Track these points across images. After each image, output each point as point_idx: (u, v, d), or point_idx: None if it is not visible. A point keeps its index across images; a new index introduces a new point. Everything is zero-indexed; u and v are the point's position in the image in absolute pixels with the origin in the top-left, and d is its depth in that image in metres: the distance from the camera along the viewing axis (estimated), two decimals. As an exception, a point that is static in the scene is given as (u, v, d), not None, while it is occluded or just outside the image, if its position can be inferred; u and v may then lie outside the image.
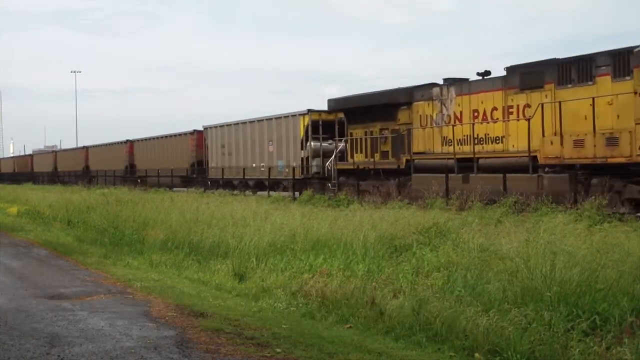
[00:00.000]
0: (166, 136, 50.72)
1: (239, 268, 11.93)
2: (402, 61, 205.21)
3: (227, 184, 39.08)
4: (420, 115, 25.53)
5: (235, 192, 35.57)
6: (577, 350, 6.68)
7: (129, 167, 56.39)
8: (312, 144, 32.35)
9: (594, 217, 15.21)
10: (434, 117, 24.79)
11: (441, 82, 25.39)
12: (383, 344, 7.59)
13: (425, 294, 8.59)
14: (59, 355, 6.84)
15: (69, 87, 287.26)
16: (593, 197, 16.87)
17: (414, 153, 25.12)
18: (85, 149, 68.37)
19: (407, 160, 25.31)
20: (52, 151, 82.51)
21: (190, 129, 49.44)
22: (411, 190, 23.78)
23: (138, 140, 56.04)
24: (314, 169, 32.39)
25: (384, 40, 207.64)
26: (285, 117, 34.85)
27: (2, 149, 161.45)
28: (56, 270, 13.05)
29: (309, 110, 32.86)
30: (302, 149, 32.96)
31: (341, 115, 30.71)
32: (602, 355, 6.56)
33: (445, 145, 24.27)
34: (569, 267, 8.52)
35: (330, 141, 31.78)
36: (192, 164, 45.28)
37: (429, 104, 25.12)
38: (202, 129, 44.48)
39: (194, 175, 44.59)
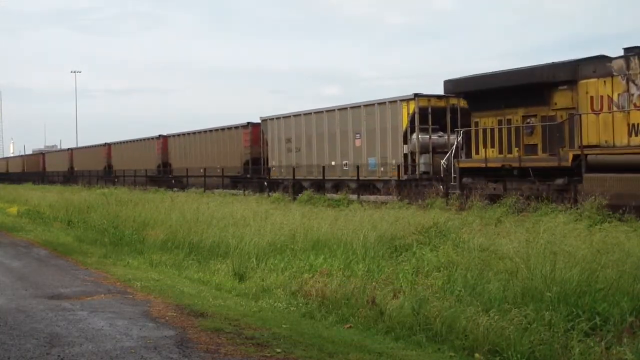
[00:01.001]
0: (212, 130, 44.01)
1: (239, 268, 11.93)
2: (403, 61, 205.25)
3: (292, 186, 32.43)
4: (592, 97, 19.60)
5: (299, 192, 29.96)
6: (577, 350, 6.68)
7: (161, 165, 50.63)
8: (419, 136, 26.48)
9: (594, 217, 15.22)
10: (616, 98, 18.97)
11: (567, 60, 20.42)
12: (383, 344, 7.59)
13: (425, 294, 8.60)
14: (59, 355, 6.84)
15: (69, 87, 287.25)
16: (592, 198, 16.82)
17: (585, 147, 19.42)
18: (108, 146, 62.20)
19: (576, 156, 19.47)
20: (68, 149, 75.68)
21: (243, 121, 42.88)
22: (582, 196, 18.34)
23: (174, 136, 49.51)
24: (422, 168, 26.43)
25: (384, 40, 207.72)
26: (380, 104, 28.64)
27: (2, 149, 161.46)
28: (56, 270, 13.05)
29: (416, 95, 26.62)
30: (405, 142, 27.01)
31: (454, 101, 26.30)
32: (602, 355, 6.56)
33: (636, 135, 18.59)
34: (569, 267, 8.52)
35: (440, 133, 26.65)
36: (246, 162, 38.97)
37: (605, 82, 19.29)
38: (258, 121, 38.32)
39: (248, 176, 38.33)
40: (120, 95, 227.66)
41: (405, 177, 26.66)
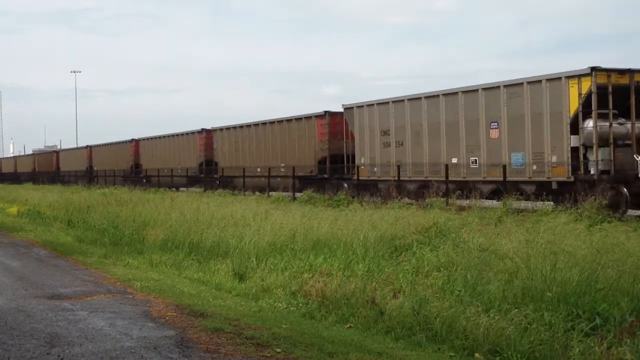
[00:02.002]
0: (274, 122, 36.27)
1: (239, 268, 11.93)
2: (403, 61, 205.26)
3: (379, 189, 27.11)
4: None
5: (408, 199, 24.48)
6: (577, 350, 6.69)
7: (204, 164, 43.66)
8: (599, 124, 19.94)
9: (594, 217, 15.22)
10: None
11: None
12: (383, 344, 7.59)
13: (425, 294, 8.60)
14: (59, 355, 6.84)
15: (69, 87, 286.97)
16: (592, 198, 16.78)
17: None
18: (135, 142, 55.77)
19: None
20: (87, 146, 67.32)
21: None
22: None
23: (222, 129, 42.03)
24: (601, 165, 19.96)
25: (384, 40, 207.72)
26: (532, 82, 21.96)
27: (2, 149, 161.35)
28: (56, 270, 13.05)
29: (594, 70, 19.90)
30: (573, 132, 20.48)
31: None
32: (602, 355, 6.56)
33: None
34: (569, 267, 8.52)
35: (621, 119, 20.31)
36: (322, 159, 32.07)
37: None
38: (338, 110, 31.57)
39: (325, 176, 31.56)
40: (120, 96, 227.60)
41: (572, 177, 20.42)
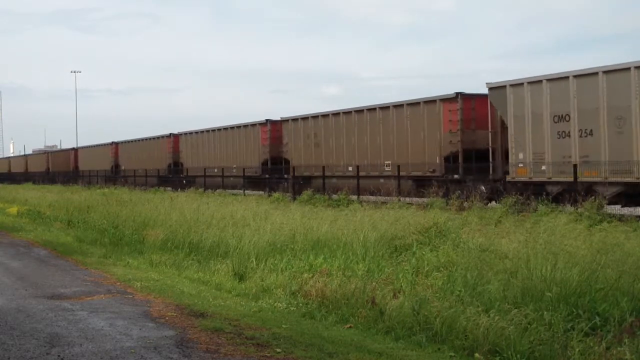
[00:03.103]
0: (376, 108, 29.02)
1: (238, 268, 11.93)
2: (403, 61, 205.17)
3: (548, 192, 20.57)
4: None
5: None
6: (577, 350, 6.68)
7: (269, 162, 36.69)
8: None
9: (594, 217, 15.23)
10: None
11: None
12: (383, 344, 7.59)
13: (425, 294, 8.60)
14: (59, 355, 6.84)
15: (69, 87, 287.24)
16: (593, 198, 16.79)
17: None
18: (174, 137, 48.76)
19: None
20: (112, 143, 60.60)
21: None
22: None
23: (293, 119, 34.80)
24: None
25: (384, 40, 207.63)
26: None
27: (2, 149, 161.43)
28: (56, 270, 13.05)
29: None
30: None
31: None
32: (602, 355, 6.56)
33: None
34: (568, 267, 8.52)
35: None
36: (449, 155, 25.25)
37: None
38: (473, 92, 25.41)
39: (456, 176, 24.84)
40: (120, 95, 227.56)
41: None
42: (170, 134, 49.53)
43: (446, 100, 25.56)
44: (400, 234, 12.94)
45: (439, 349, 7.37)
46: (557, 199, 19.64)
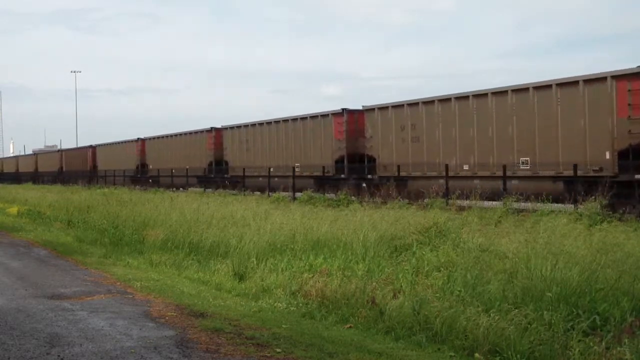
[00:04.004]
0: (517, 89, 22.83)
1: (239, 268, 11.93)
2: (403, 61, 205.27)
3: None
4: None
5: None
6: (577, 350, 6.69)
7: (344, 159, 30.71)
8: None
9: (594, 217, 15.22)
10: None
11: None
12: (383, 344, 7.59)
13: (425, 294, 8.60)
14: (59, 355, 6.85)
15: (69, 87, 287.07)
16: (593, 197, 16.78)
17: None
18: (216, 132, 42.51)
19: None
20: (137, 139, 54.25)
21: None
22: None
23: (375, 108, 29.01)
24: None
25: (385, 40, 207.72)
26: None
27: (2, 149, 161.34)
28: (56, 270, 13.05)
29: None
30: None
31: None
32: (602, 355, 6.57)
33: None
34: (568, 267, 8.53)
35: None
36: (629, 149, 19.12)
37: None
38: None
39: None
40: (120, 95, 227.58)
41: None
42: (212, 128, 43.15)
43: (622, 77, 19.95)
44: (400, 234, 12.94)
45: (439, 349, 7.38)
46: (558, 199, 19.50)
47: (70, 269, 13.31)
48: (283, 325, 8.27)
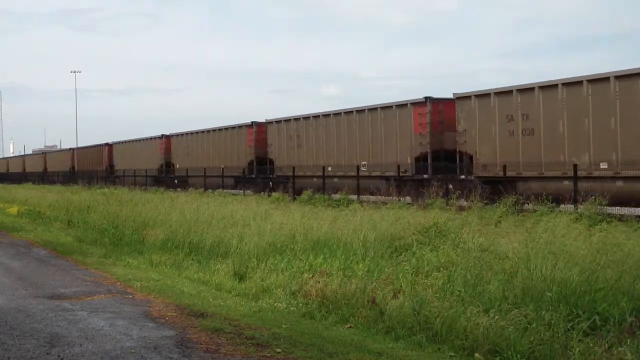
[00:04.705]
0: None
1: (239, 268, 11.93)
2: (403, 61, 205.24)
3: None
4: None
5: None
6: (577, 350, 6.69)
7: (428, 157, 26.31)
8: None
9: (594, 217, 15.22)
10: None
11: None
12: (383, 344, 7.59)
13: (425, 294, 8.60)
14: (59, 355, 6.84)
15: (68, 87, 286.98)
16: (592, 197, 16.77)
17: None
18: (257, 126, 37.80)
19: None
20: (162, 136, 49.35)
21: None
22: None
23: (472, 96, 24.31)
24: None
25: (385, 40, 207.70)
26: None
27: (2, 149, 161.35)
28: (56, 270, 13.05)
29: None
30: None
31: None
32: (603, 355, 6.56)
33: None
34: (569, 267, 8.52)
35: None
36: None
37: None
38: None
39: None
40: (120, 95, 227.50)
41: None
42: (253, 122, 38.29)
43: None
44: (400, 234, 12.94)
45: (439, 349, 7.38)
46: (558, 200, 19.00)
47: (70, 269, 13.31)
48: (283, 325, 8.27)
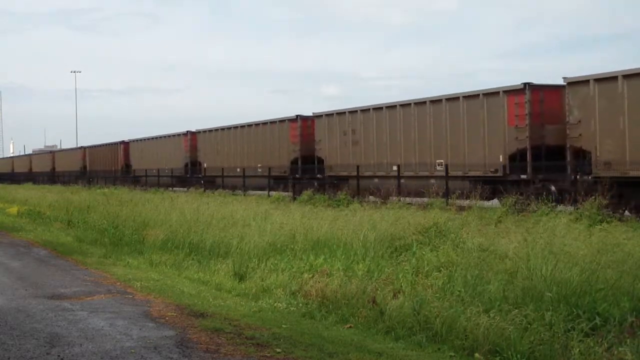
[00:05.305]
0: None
1: (239, 268, 11.94)
2: (403, 61, 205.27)
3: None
4: None
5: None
6: (578, 350, 6.69)
7: (527, 153, 22.19)
8: None
9: (594, 217, 15.22)
10: None
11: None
12: (383, 344, 7.59)
13: (425, 294, 8.60)
14: (59, 355, 6.84)
15: (69, 87, 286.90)
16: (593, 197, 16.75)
17: None
18: (303, 120, 33.53)
19: None
20: (187, 132, 45.34)
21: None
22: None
23: (590, 80, 19.70)
24: None
25: (385, 40, 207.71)
26: None
27: (2, 149, 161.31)
28: (56, 270, 13.05)
29: None
30: None
31: None
32: (603, 356, 6.57)
33: None
34: (569, 267, 8.52)
35: None
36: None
37: None
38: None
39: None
40: (120, 95, 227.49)
41: None
42: (297, 116, 33.88)
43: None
44: (400, 234, 12.94)
45: (439, 349, 7.38)
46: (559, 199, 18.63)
47: (70, 269, 13.31)
48: (283, 325, 8.27)
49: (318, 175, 31.72)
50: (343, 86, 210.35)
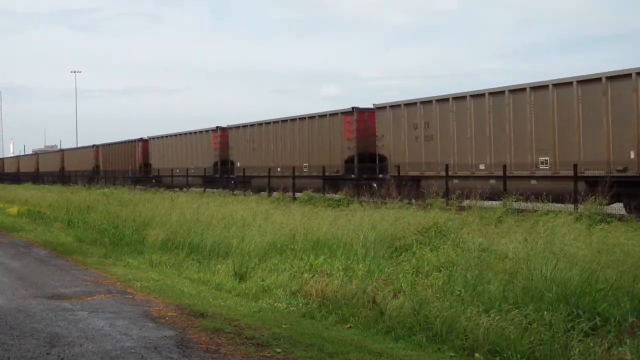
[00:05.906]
0: None
1: (239, 268, 11.94)
2: (403, 61, 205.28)
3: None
4: None
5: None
6: (578, 350, 6.69)
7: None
8: None
9: (594, 217, 15.22)
10: None
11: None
12: (383, 344, 7.59)
13: (426, 294, 8.60)
14: (59, 355, 6.84)
15: (69, 87, 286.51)
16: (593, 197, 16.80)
17: None
18: (359, 113, 29.96)
19: None
20: (217, 128, 41.47)
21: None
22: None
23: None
24: None
25: (385, 41, 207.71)
26: None
27: (2, 149, 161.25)
28: (56, 270, 13.05)
29: None
30: None
31: None
32: (603, 356, 6.56)
33: None
34: (569, 267, 8.52)
35: None
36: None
37: None
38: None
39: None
40: (120, 95, 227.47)
41: None
42: (353, 108, 30.45)
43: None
44: (400, 234, 12.94)
45: (439, 349, 7.38)
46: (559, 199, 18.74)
47: (70, 269, 13.31)
48: (283, 325, 8.27)
49: (380, 175, 28.16)
50: (343, 86, 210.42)
